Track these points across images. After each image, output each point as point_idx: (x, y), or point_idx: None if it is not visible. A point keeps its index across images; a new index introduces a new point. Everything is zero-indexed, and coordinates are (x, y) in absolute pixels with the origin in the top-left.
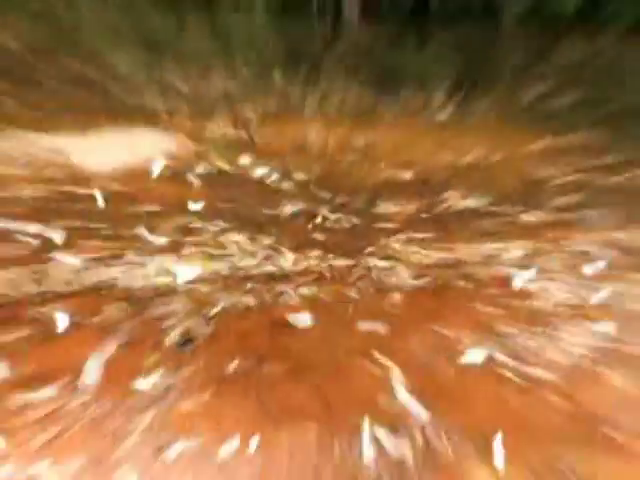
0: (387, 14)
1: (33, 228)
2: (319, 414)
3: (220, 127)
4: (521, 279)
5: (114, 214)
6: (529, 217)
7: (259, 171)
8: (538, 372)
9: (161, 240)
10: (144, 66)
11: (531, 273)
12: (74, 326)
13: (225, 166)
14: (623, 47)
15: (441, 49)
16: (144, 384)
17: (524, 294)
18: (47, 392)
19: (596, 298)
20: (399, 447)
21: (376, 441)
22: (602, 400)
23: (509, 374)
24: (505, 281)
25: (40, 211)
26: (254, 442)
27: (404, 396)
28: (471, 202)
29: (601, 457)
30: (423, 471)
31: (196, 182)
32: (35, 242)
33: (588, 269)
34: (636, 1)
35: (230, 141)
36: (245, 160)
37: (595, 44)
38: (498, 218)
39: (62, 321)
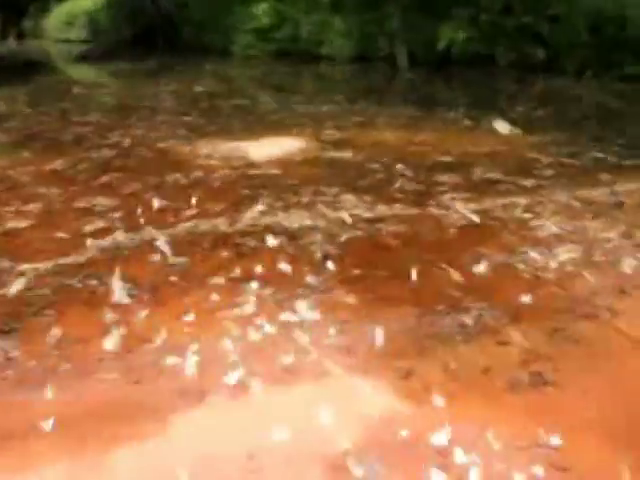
0: (424, 62)
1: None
2: (412, 301)
3: (330, 133)
4: (525, 218)
5: (274, 185)
6: (526, 182)
7: (356, 158)
8: (540, 274)
9: (302, 200)
10: (278, 100)
11: (531, 214)
12: (259, 250)
13: (335, 156)
14: (573, 83)
15: (459, 84)
16: (304, 283)
17: (528, 227)
18: (252, 285)
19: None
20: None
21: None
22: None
23: (525, 275)
24: (517, 220)
25: (233, 183)
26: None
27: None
28: (490, 174)
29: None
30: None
31: (318, 165)
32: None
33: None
34: (577, 55)
35: (336, 140)
36: (347, 153)
37: (555, 81)
38: (507, 184)
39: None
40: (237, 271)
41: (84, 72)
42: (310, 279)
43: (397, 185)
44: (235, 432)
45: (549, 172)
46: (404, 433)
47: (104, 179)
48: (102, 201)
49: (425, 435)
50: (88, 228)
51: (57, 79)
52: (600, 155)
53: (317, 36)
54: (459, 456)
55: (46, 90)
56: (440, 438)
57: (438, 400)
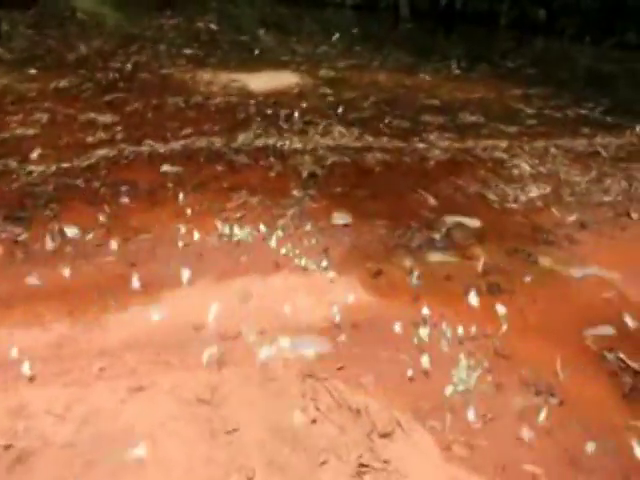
0: (426, 13)
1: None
2: (387, 217)
3: (325, 72)
4: (503, 159)
5: (269, 113)
6: (509, 129)
7: (349, 95)
8: (509, 205)
9: (294, 127)
10: (278, 39)
11: (509, 156)
12: (250, 166)
13: (329, 92)
14: (570, 47)
15: (458, 37)
16: (290, 195)
17: (505, 166)
18: (242, 194)
19: (545, 169)
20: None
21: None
22: (543, 218)
23: (495, 205)
24: (495, 160)
25: (230, 108)
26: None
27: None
28: (474, 118)
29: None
30: (444, 245)
31: (311, 99)
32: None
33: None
34: (577, 19)
35: (331, 78)
36: (340, 90)
37: (553, 43)
38: (490, 128)
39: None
40: (229, 182)
41: (85, 1)
42: (296, 192)
43: (386, 121)
44: (218, 308)
45: (532, 122)
46: (368, 317)
47: (107, 98)
48: (105, 117)
49: (386, 319)
50: (91, 139)
51: (58, 6)
52: (584, 112)
53: None
54: (414, 337)
55: (48, 15)
56: (399, 323)
57: (401, 295)
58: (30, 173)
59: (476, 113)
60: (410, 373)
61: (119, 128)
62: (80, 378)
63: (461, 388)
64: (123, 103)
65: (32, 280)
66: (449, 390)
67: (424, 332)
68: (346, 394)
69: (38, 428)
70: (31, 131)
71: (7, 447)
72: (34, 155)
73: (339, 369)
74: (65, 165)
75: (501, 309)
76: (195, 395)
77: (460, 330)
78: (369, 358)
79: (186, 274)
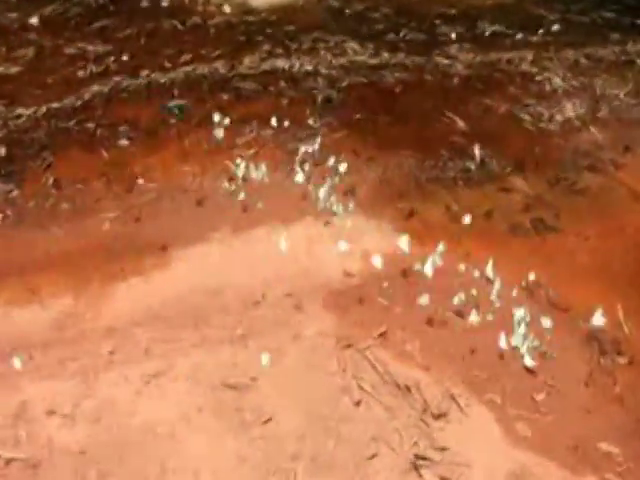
0: None
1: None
2: (415, 146)
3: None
4: (532, 72)
5: (274, 31)
6: (532, 37)
7: (358, 6)
8: (545, 125)
9: (303, 46)
10: None
11: (538, 69)
12: (257, 92)
13: (336, 4)
14: None
15: None
16: (306, 124)
17: (534, 81)
18: (253, 126)
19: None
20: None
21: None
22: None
23: (529, 126)
24: (523, 74)
25: (231, 29)
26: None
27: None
28: (494, 28)
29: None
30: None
31: (318, 12)
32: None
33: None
34: None
35: None
36: (348, 1)
37: None
38: (513, 38)
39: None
40: (237, 113)
41: None
42: (311, 122)
43: (401, 34)
44: (238, 266)
45: (556, 28)
46: (405, 268)
47: (97, 25)
48: (96, 46)
49: (426, 270)
50: (82, 73)
51: None
52: (611, 15)
53: None
54: (460, 290)
55: None
56: (441, 273)
57: (440, 239)
58: (18, 117)
59: (495, 21)
60: (459, 335)
61: (112, 59)
62: (87, 366)
63: (518, 351)
64: (114, 30)
65: (26, 245)
66: (504, 354)
67: (470, 283)
68: (391, 367)
69: (43, 433)
70: (15, 69)
71: (8, 461)
72: (21, 97)
73: (380, 335)
74: (56, 105)
75: (549, 250)
76: (219, 379)
77: (510, 278)
78: (412, 319)
79: (198, 227)
